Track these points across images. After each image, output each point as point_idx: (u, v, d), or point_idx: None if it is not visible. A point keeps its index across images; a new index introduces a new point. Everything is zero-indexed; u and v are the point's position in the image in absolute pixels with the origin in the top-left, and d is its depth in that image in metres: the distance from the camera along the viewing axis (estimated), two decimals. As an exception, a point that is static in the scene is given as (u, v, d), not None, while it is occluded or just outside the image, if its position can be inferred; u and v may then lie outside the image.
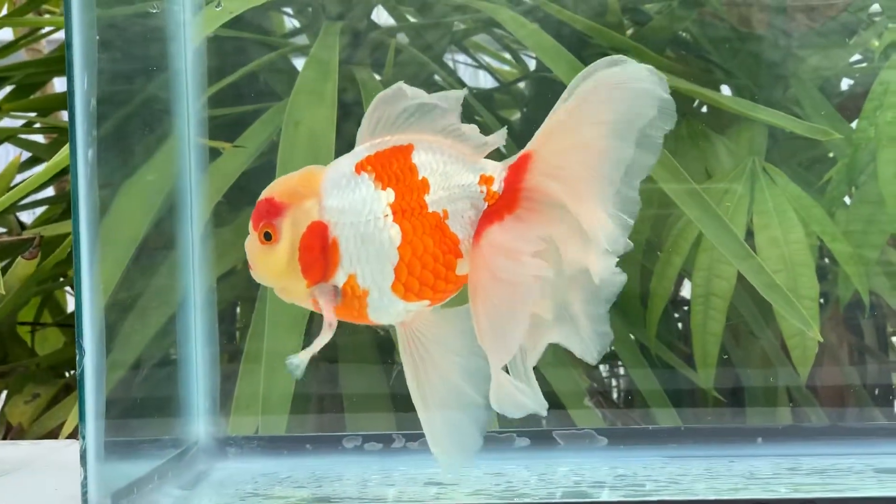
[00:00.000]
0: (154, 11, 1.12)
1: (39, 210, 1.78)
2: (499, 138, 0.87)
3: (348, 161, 0.86)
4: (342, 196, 0.84)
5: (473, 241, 0.86)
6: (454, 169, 0.85)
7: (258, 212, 0.85)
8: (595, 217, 0.83)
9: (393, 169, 0.85)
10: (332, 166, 0.86)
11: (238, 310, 1.48)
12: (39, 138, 1.83)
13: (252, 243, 0.86)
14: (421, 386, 0.88)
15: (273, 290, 0.89)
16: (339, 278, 0.85)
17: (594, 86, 0.83)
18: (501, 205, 0.85)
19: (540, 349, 0.87)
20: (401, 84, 0.85)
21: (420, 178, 0.85)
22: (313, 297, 0.86)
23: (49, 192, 1.81)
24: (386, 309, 0.86)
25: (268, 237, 0.84)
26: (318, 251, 0.84)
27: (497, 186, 0.86)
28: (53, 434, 1.50)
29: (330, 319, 0.86)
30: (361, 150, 0.86)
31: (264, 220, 0.84)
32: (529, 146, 0.85)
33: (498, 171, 0.86)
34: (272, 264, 0.85)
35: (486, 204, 0.86)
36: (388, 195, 0.84)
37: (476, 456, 0.89)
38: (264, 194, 0.86)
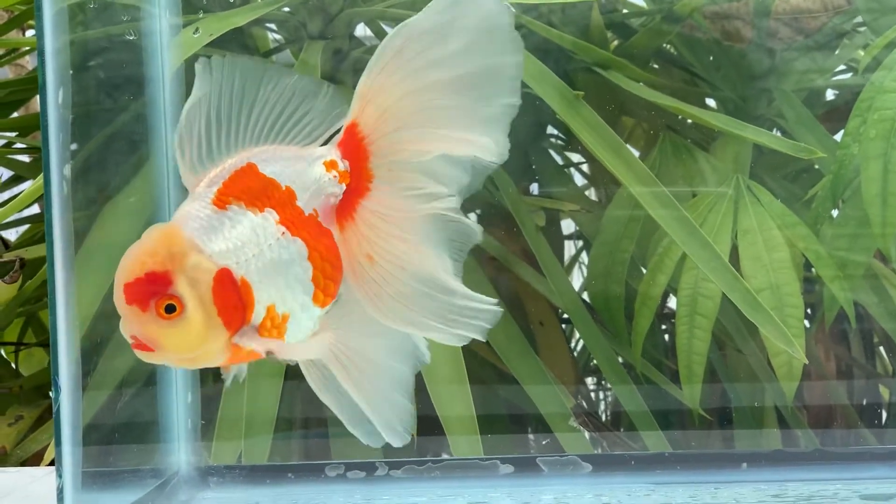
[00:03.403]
0: (131, 38, 1.11)
1: (24, 227, 1.77)
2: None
3: (199, 205, 0.80)
4: (226, 236, 0.79)
5: (346, 223, 0.84)
6: (301, 167, 0.83)
7: (141, 292, 0.77)
8: (458, 145, 0.82)
9: (257, 191, 0.81)
10: (185, 217, 0.80)
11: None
12: (24, 157, 1.81)
13: (149, 325, 0.77)
14: (358, 385, 0.85)
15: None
16: (259, 315, 0.80)
17: (402, 37, 0.81)
18: (357, 179, 0.84)
19: None
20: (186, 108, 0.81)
21: (284, 188, 0.82)
22: (231, 349, 0.80)
23: (34, 208, 1.80)
24: (308, 324, 0.83)
25: (171, 310, 0.77)
26: (236, 297, 0.79)
27: (343, 166, 0.84)
28: (38, 456, 1.48)
29: (264, 354, 0.82)
30: (204, 190, 0.81)
31: (156, 295, 0.77)
32: (349, 117, 0.83)
33: (333, 151, 0.84)
34: (189, 333, 0.78)
35: (344, 185, 0.84)
36: (272, 215, 0.81)
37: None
38: (132, 275, 0.77)
